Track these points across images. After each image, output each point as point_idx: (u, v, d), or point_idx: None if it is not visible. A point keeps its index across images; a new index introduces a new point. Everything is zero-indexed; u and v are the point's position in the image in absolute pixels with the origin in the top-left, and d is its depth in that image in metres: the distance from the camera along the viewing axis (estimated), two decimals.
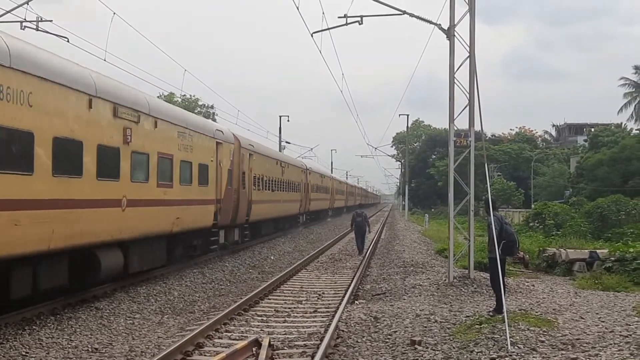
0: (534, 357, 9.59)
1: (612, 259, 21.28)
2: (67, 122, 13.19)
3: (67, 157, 13.17)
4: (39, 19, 22.32)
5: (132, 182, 16.11)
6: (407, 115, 73.20)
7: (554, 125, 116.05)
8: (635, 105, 78.88)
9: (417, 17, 18.95)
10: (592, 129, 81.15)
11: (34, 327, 12.17)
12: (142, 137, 16.70)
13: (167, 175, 18.55)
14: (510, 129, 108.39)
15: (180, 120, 20.04)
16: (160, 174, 17.95)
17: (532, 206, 52.93)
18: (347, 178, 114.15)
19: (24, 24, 21.96)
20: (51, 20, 22.69)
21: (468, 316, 12.86)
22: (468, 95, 17.85)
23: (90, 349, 10.88)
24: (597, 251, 22.85)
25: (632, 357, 9.45)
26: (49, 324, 12.47)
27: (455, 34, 17.85)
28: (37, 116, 12.11)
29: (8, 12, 20.97)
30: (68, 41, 22.38)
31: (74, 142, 13.40)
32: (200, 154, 21.44)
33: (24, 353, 10.46)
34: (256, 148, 31.39)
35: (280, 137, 62.96)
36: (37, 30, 22.33)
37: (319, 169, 62.53)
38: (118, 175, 15.38)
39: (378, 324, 12.60)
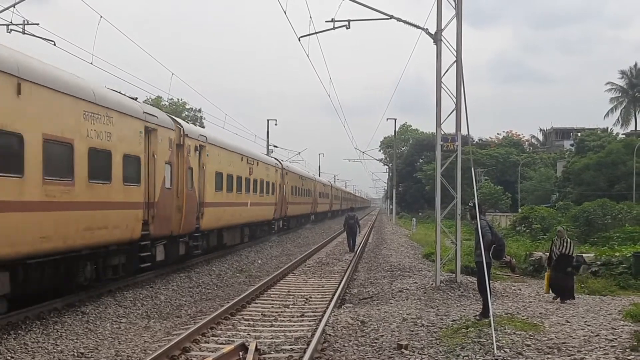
0: None
1: (598, 263, 21.40)
2: (236, 167, 28.73)
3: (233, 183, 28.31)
4: (26, 22, 22.21)
5: (253, 194, 32.15)
6: (395, 120, 73.27)
7: (541, 130, 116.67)
8: (621, 110, 79.42)
9: (405, 22, 19.00)
10: (579, 134, 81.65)
11: (19, 331, 12.08)
12: (254, 171, 32.46)
13: (258, 189, 33.49)
14: (498, 133, 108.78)
15: (265, 159, 37.81)
16: (255, 188, 32.85)
17: (519, 210, 53.16)
18: (334, 182, 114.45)
19: (10, 27, 21.84)
20: (38, 24, 22.56)
21: (455, 320, 12.89)
22: (455, 100, 17.92)
23: (76, 354, 10.83)
24: (584, 255, 22.93)
25: None
26: (34, 329, 12.38)
27: (443, 38, 17.91)
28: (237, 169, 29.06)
29: None
30: (55, 44, 22.29)
31: (236, 177, 28.70)
32: (268, 176, 36.66)
33: (9, 358, 10.40)
34: (290, 168, 47.25)
35: (267, 141, 62.89)
36: (24, 33, 22.22)
37: (323, 180, 78.72)
38: (249, 190, 31.17)
39: (365, 328, 12.60)
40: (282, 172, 42.08)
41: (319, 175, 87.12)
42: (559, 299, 16.19)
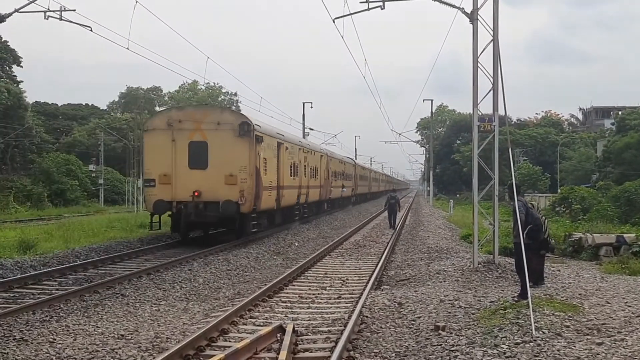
0: (558, 342, 9.53)
1: None
2: (337, 166, 52.77)
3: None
4: (63, 9, 22.47)
5: (343, 181, 55.38)
6: (432, 101, 73.36)
7: (580, 109, 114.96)
8: None
9: (440, 1, 18.75)
10: (620, 112, 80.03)
11: (61, 314, 12.33)
12: (344, 168, 56.13)
13: (345, 177, 55.20)
14: (536, 113, 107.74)
15: (347, 160, 60.72)
16: (344, 177, 55.14)
17: (559, 191, 52.54)
18: (371, 164, 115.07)
19: (47, 13, 22.11)
20: (74, 10, 22.84)
21: (492, 301, 12.80)
22: (492, 80, 17.68)
23: (116, 335, 11.00)
24: (624, 236, 22.64)
25: None
26: (75, 311, 12.62)
27: (479, 17, 17.66)
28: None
29: (32, 2, 21.15)
30: (91, 30, 22.55)
31: (338, 171, 52.90)
32: (348, 169, 56.91)
33: (51, 340, 10.60)
34: (359, 164, 71.14)
35: (303, 124, 63.01)
36: (61, 19, 22.49)
37: (374, 169, 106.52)
38: (342, 178, 54.36)
39: (402, 310, 12.58)
40: (355, 166, 63.53)
41: (356, 158, 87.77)
42: (531, 282, 15.25)
